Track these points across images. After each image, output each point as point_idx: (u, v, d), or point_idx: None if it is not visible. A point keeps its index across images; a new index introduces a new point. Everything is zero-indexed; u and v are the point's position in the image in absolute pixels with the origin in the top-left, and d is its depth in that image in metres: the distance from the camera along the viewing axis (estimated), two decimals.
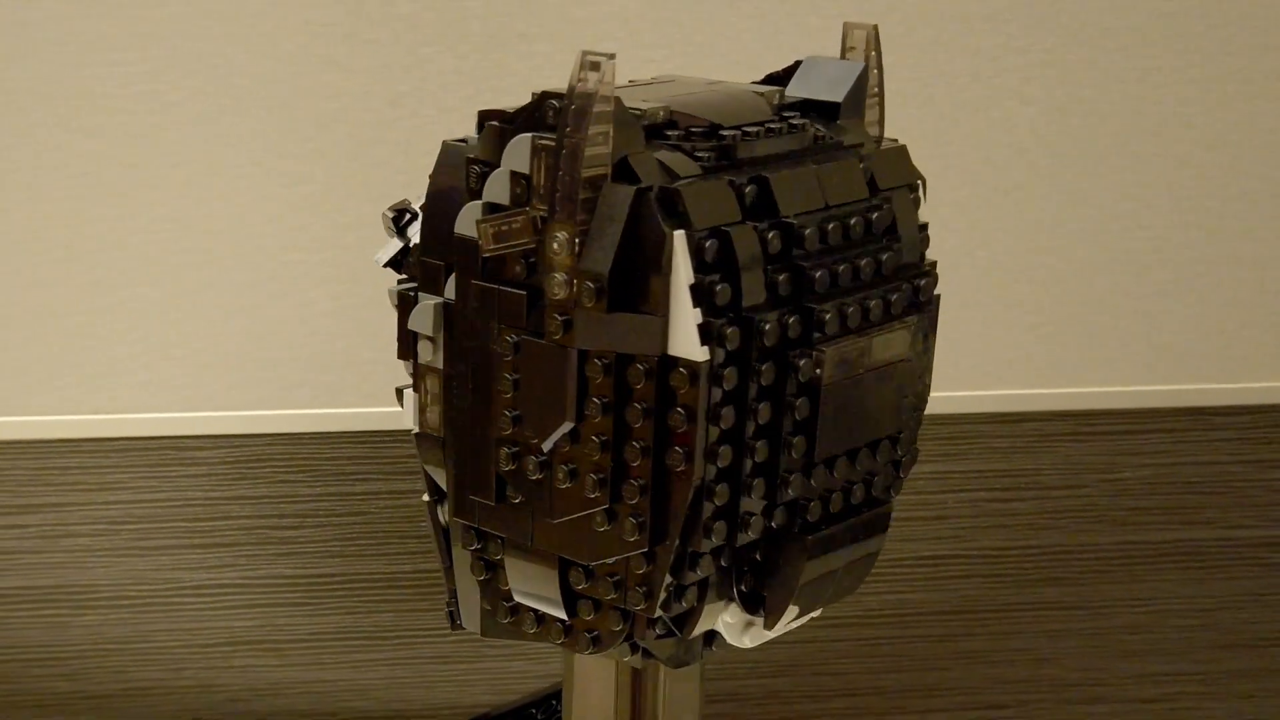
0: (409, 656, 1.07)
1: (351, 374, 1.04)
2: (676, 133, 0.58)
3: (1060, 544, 1.15)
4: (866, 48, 0.61)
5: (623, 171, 0.56)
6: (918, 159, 1.01)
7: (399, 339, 0.63)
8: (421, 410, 0.62)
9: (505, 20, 1.03)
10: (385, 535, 1.08)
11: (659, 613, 0.59)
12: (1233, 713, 1.10)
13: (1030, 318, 1.12)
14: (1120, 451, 1.16)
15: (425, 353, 0.61)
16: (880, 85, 0.62)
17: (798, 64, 0.64)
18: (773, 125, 0.59)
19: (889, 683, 1.10)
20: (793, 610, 0.62)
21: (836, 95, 0.61)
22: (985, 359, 1.13)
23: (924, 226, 0.63)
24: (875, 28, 0.61)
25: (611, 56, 0.55)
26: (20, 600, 1.08)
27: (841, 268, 0.58)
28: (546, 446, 0.56)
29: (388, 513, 1.07)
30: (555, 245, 0.55)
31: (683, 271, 0.54)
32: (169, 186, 1.05)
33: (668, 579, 0.57)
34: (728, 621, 0.61)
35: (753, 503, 0.58)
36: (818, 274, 0.57)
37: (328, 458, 1.09)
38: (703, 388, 0.55)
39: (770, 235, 0.56)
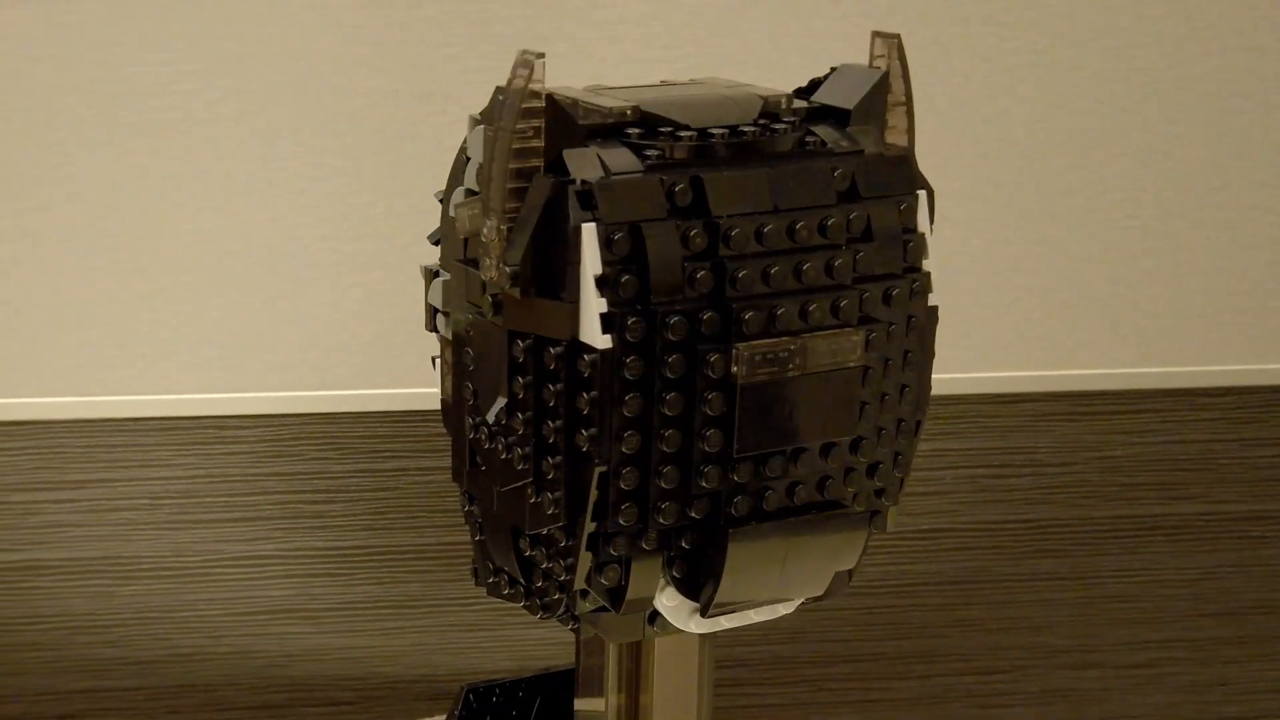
0: (436, 624, 1.11)
1: (382, 357, 1.04)
2: (637, 131, 0.58)
3: (1054, 518, 1.15)
4: (889, 57, 0.61)
5: (557, 165, 0.56)
6: (918, 157, 1.03)
7: (426, 312, 0.65)
8: (442, 379, 0.64)
9: (527, 23, 1.02)
10: (414, 510, 1.09)
11: (583, 585, 0.58)
12: (1217, 677, 1.17)
13: (1027, 305, 1.11)
14: (1111, 430, 1.15)
15: (441, 325, 0.63)
16: (908, 94, 0.61)
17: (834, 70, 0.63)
18: (745, 129, 0.58)
19: (890, 649, 1.15)
20: (745, 604, 0.61)
21: (848, 102, 0.60)
22: (984, 343, 1.12)
23: (914, 233, 0.61)
24: (898, 37, 0.60)
25: (540, 55, 0.56)
26: (68, 571, 1.09)
27: (775, 269, 0.56)
28: (490, 418, 0.58)
29: (416, 488, 1.08)
30: (486, 230, 0.56)
31: (590, 262, 0.55)
32: (210, 180, 1.04)
33: (586, 554, 0.58)
34: (666, 604, 0.61)
35: (665, 490, 0.57)
36: (742, 273, 0.56)
37: (359, 436, 1.08)
38: (603, 374, 0.55)
39: (694, 233, 0.56)
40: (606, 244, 0.55)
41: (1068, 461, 1.15)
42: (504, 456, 0.59)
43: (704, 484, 0.57)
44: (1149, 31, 1.07)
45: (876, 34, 0.61)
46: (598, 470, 0.56)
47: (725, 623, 0.61)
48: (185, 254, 1.05)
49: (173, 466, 1.09)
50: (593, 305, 0.55)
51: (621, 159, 0.56)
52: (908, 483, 0.67)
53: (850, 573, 0.63)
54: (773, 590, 0.60)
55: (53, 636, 1.09)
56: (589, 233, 0.55)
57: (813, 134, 0.59)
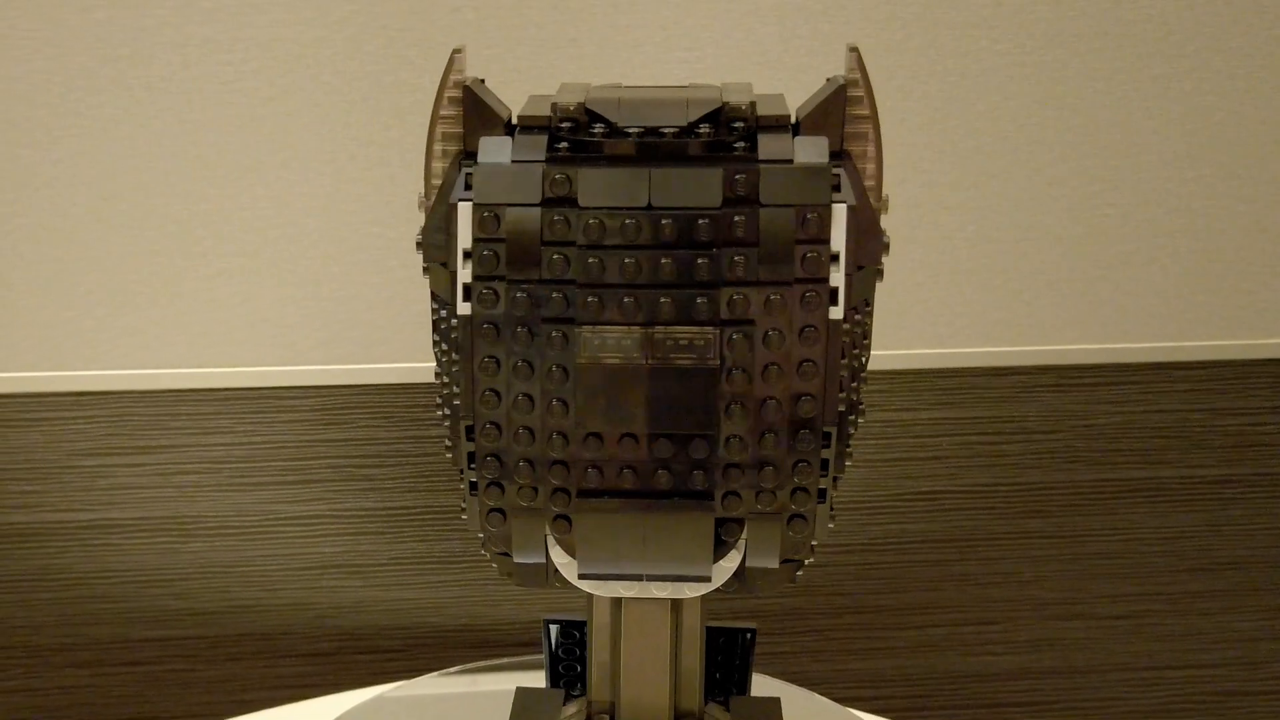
0: (476, 578, 1.12)
1: (426, 334, 0.92)
2: (568, 125, 0.58)
3: (1042, 481, 1.16)
4: (848, 70, 0.58)
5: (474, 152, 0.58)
6: (918, 150, 0.98)
7: None
8: None
9: (557, 27, 1.02)
10: (455, 473, 1.06)
11: (477, 530, 0.60)
12: (1191, 628, 1.19)
13: (1017, 286, 1.11)
14: (1095, 400, 1.14)
15: None
16: (872, 107, 0.57)
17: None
18: (665, 129, 0.57)
19: (892, 602, 1.17)
20: (632, 576, 0.60)
21: (801, 112, 0.58)
22: (978, 320, 1.11)
23: (820, 245, 0.56)
24: (855, 51, 0.57)
25: (459, 50, 0.58)
26: (137, 529, 1.10)
27: (628, 261, 0.56)
28: (434, 374, 0.61)
29: None
30: (419, 204, 0.59)
31: (461, 236, 0.57)
32: (267, 170, 1.04)
33: (471, 499, 0.60)
34: (558, 561, 0.60)
35: (520, 451, 0.58)
36: (590, 260, 0.56)
37: (405, 406, 1.08)
38: (462, 338, 0.57)
39: (555, 220, 0.56)
40: (479, 223, 0.56)
41: (1054, 429, 1.15)
42: (443, 410, 0.62)
43: (552, 453, 0.57)
44: (1127, 34, 1.07)
45: (848, 47, 0.58)
46: (463, 424, 0.58)
47: (623, 590, 0.61)
48: (244, 239, 1.05)
49: (233, 433, 1.09)
50: (459, 275, 0.57)
51: (530, 148, 0.57)
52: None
53: (799, 563, 0.61)
54: (642, 566, 0.59)
55: (123, 589, 1.11)
56: (464, 210, 0.57)
57: (742, 140, 0.57)
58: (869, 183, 0.58)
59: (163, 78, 1.02)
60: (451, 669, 0.96)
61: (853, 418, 0.60)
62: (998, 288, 1.11)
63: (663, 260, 0.56)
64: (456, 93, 0.58)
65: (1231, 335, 1.14)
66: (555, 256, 0.56)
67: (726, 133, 0.57)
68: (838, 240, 0.56)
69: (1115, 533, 1.18)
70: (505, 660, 0.98)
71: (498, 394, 0.57)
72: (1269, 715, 1.22)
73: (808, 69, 1.05)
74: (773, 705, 0.69)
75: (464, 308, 0.57)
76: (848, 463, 0.62)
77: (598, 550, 0.59)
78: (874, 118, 0.57)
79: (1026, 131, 1.08)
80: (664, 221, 0.55)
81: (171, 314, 1.07)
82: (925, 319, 1.11)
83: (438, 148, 0.58)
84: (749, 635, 0.72)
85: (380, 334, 1.07)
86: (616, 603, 0.65)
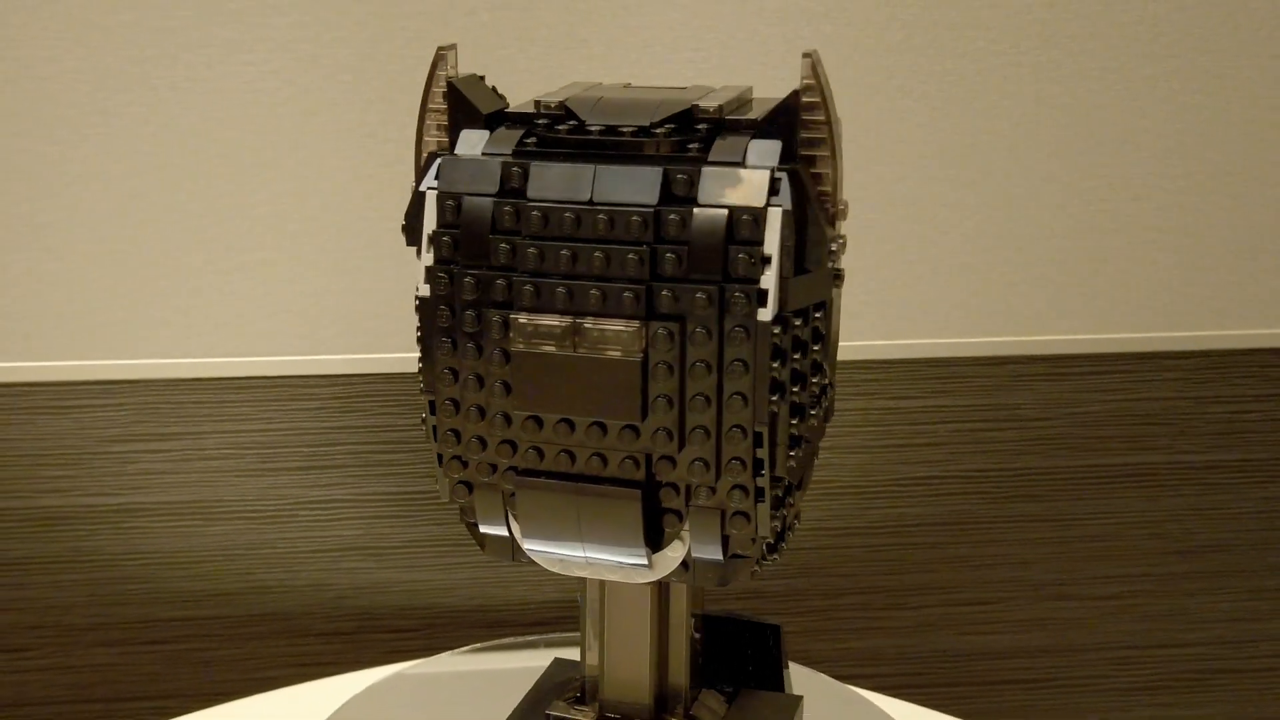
0: (489, 560, 1.00)
1: None
2: (544, 122, 0.59)
3: (1035, 466, 1.15)
4: (803, 76, 0.56)
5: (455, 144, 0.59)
6: (916, 148, 0.98)
7: None
8: None
9: (568, 28, 1.02)
10: None
11: (447, 499, 0.61)
12: (1177, 608, 1.20)
13: (1010, 278, 1.10)
14: (1085, 389, 1.14)
15: None
16: (827, 112, 0.56)
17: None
18: (623, 128, 0.57)
19: (891, 583, 1.17)
20: (578, 556, 0.60)
21: (759, 115, 0.57)
22: (973, 311, 1.11)
23: (751, 247, 0.55)
24: (808, 57, 0.55)
25: (444, 48, 0.60)
26: (161, 513, 1.11)
27: (564, 253, 0.56)
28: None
29: None
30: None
31: (427, 222, 0.58)
32: (287, 166, 1.04)
33: (440, 469, 0.60)
34: (518, 534, 0.61)
35: (472, 429, 0.59)
36: (529, 250, 0.56)
37: (421, 394, 1.07)
38: (424, 317, 0.59)
39: (505, 210, 0.57)
40: (441, 211, 0.57)
41: (1046, 417, 1.15)
42: None
43: (497, 433, 0.58)
44: (1116, 36, 1.07)
45: (804, 54, 0.56)
46: (427, 399, 0.59)
47: (578, 571, 0.61)
48: (265, 233, 1.05)
49: (255, 420, 1.09)
50: (422, 258, 0.58)
51: (501, 142, 0.58)
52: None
53: (751, 559, 0.59)
54: (579, 547, 0.60)
55: (148, 571, 1.11)
56: (430, 198, 0.58)
57: (700, 141, 0.57)
58: (824, 188, 0.57)
59: (186, 78, 1.02)
60: (465, 648, 0.96)
61: (797, 421, 0.58)
62: (992, 281, 1.11)
63: (595, 254, 0.56)
64: (442, 88, 0.59)
65: (1217, 326, 1.14)
66: (503, 245, 0.57)
67: (689, 134, 0.57)
68: (771, 243, 0.55)
69: (1104, 516, 1.18)
70: (517, 639, 0.97)
71: (454, 373, 0.59)
72: (1251, 691, 1.22)
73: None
74: (787, 703, 0.68)
75: (424, 289, 0.58)
76: (813, 462, 0.61)
77: (538, 527, 0.60)
78: (829, 124, 0.56)
79: (1021, 130, 1.08)
80: (600, 216, 0.56)
81: (196, 305, 1.07)
82: (922, 310, 1.12)
83: (429, 140, 0.60)
84: (773, 632, 0.71)
85: (397, 324, 1.07)
86: (604, 584, 0.65)
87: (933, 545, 1.17)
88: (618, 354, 0.56)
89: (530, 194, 0.57)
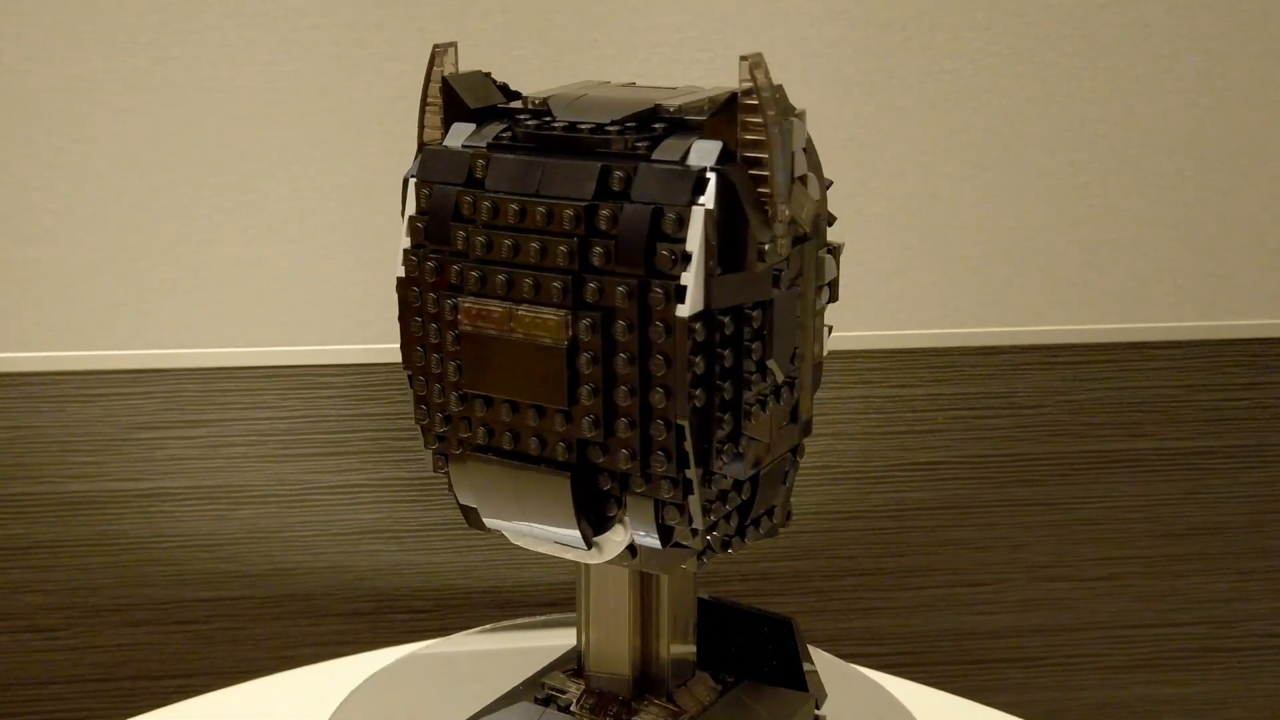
0: (503, 542, 0.96)
1: None
2: (526, 116, 0.60)
3: (1030, 453, 1.16)
4: (741, 79, 0.56)
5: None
6: (915, 145, 0.99)
7: None
8: None
9: (580, 30, 1.03)
10: None
11: (435, 470, 0.63)
12: (1168, 589, 1.21)
13: (1006, 270, 1.11)
14: (1078, 378, 1.14)
15: None
16: (764, 114, 0.55)
17: None
18: (582, 125, 0.58)
19: (891, 565, 1.17)
20: (526, 530, 0.61)
21: (702, 116, 0.57)
22: (969, 303, 1.11)
23: (674, 243, 0.55)
24: (745, 60, 0.55)
25: (440, 46, 0.61)
26: (188, 497, 1.11)
27: (506, 242, 0.57)
28: None
29: None
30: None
31: (408, 208, 0.60)
32: (308, 163, 1.04)
33: (422, 441, 0.62)
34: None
35: (436, 403, 0.61)
36: (479, 239, 0.58)
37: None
38: (400, 296, 0.61)
39: (465, 200, 0.58)
40: (418, 198, 0.60)
41: (1041, 404, 1.15)
42: None
43: (451, 408, 0.60)
44: (1105, 37, 1.07)
45: (741, 57, 0.56)
46: (406, 372, 0.61)
47: (535, 546, 0.62)
48: (288, 228, 1.05)
49: (277, 408, 1.09)
50: (401, 242, 0.61)
51: (482, 135, 0.60)
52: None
53: (692, 551, 0.59)
54: (519, 521, 0.61)
55: (175, 554, 1.12)
56: (412, 186, 0.60)
57: (651, 140, 0.57)
58: (764, 190, 0.56)
59: (210, 77, 1.03)
60: (479, 628, 0.96)
61: (729, 416, 0.57)
62: (989, 273, 1.12)
63: (532, 244, 0.57)
64: (436, 83, 0.61)
65: (1206, 317, 1.14)
66: (461, 233, 0.59)
67: (643, 133, 0.58)
68: (693, 241, 0.55)
69: (1098, 500, 1.18)
70: (529, 620, 0.97)
71: (423, 350, 0.61)
72: (1241, 670, 1.22)
73: (812, 69, 1.06)
74: (790, 700, 0.68)
75: (400, 270, 0.61)
76: (794, 461, 0.61)
77: (485, 501, 0.61)
78: (768, 126, 0.56)
79: (1016, 128, 1.08)
80: (539, 209, 0.57)
81: (220, 297, 1.07)
82: (920, 302, 1.12)
83: (427, 132, 0.62)
84: (787, 626, 0.71)
85: None
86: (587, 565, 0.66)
87: (932, 528, 1.17)
88: (548, 341, 0.57)
89: (488, 185, 0.58)
